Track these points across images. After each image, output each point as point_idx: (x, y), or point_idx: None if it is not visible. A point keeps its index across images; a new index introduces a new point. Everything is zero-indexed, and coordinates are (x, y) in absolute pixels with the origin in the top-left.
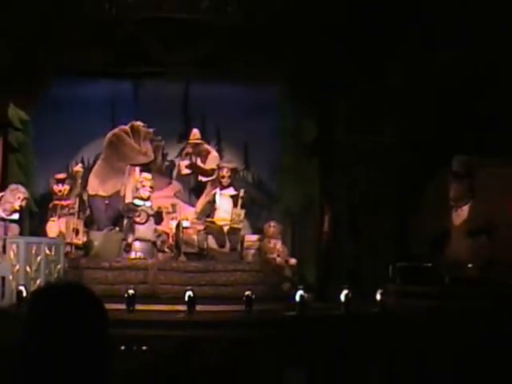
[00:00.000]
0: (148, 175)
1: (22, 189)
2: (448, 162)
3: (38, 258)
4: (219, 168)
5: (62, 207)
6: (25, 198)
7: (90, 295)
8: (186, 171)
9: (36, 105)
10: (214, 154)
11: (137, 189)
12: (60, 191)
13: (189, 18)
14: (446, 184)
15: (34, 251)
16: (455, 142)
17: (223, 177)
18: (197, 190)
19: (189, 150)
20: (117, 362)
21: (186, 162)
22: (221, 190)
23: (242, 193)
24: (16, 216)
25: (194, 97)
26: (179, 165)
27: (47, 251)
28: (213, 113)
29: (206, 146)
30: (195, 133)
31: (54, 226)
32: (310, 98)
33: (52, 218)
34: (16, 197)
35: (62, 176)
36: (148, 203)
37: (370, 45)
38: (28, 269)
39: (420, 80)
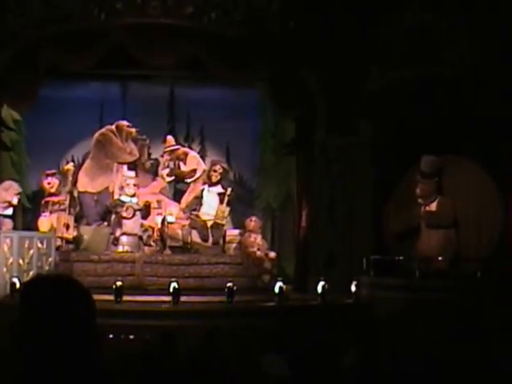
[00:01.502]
0: (131, 174)
1: (15, 185)
2: (418, 161)
3: (31, 252)
4: (213, 163)
5: (54, 203)
6: (19, 193)
7: (79, 287)
8: (168, 179)
9: (28, 106)
10: (192, 154)
11: (122, 187)
12: (49, 183)
13: (174, 23)
14: (415, 182)
15: (26, 245)
16: (425, 142)
17: (215, 171)
18: (181, 188)
19: (166, 157)
20: (105, 350)
21: (167, 171)
22: (209, 186)
23: (229, 191)
24: (10, 211)
25: (179, 98)
26: (161, 175)
27: (39, 245)
28: (197, 114)
29: (183, 149)
30: (169, 140)
31: (45, 221)
32: (289, 101)
33: (44, 214)
34: (12, 193)
35: (51, 172)
36: (134, 199)
37: (351, 47)
38: (21, 261)
39: (397, 84)
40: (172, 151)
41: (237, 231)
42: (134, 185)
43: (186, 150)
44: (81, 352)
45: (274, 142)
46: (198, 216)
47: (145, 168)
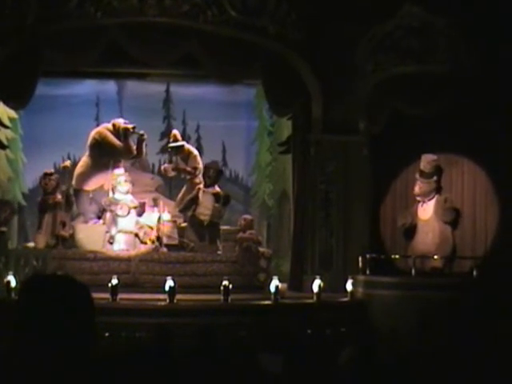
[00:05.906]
0: (120, 171)
1: None
2: (414, 160)
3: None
4: (206, 168)
5: (50, 201)
6: None
7: (78, 285)
8: (172, 173)
9: (24, 104)
10: (194, 153)
11: (114, 186)
12: (46, 184)
13: (170, 22)
14: (412, 180)
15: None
16: (422, 140)
17: (209, 177)
18: (177, 186)
19: (170, 152)
20: (101, 348)
21: (172, 165)
22: (205, 187)
23: (223, 192)
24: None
25: (175, 96)
26: (165, 168)
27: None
28: (193, 112)
29: (187, 147)
30: (175, 134)
31: (41, 238)
32: (285, 99)
33: (39, 230)
34: None
35: (50, 171)
36: (129, 196)
37: (348, 44)
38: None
39: (394, 82)
40: (177, 148)
41: (232, 229)
42: (126, 180)
43: (191, 148)
44: (79, 350)
45: (270, 141)
46: (194, 216)
47: (143, 166)
